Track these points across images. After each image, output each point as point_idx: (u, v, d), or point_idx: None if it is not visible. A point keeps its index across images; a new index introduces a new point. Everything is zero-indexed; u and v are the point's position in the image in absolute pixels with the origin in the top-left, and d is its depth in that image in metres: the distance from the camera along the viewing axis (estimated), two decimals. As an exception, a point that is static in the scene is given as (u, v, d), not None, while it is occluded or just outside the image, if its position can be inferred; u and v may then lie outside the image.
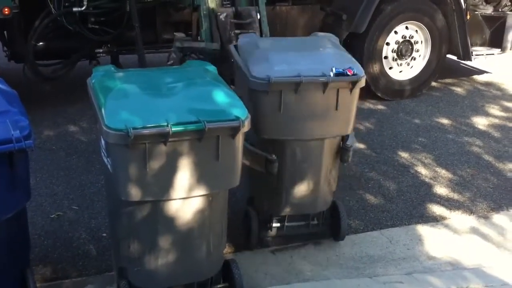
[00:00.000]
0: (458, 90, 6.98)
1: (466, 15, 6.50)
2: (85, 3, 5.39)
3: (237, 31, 4.59)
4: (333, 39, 3.72)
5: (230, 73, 3.69)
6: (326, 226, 3.70)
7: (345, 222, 3.66)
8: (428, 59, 6.55)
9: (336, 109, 3.26)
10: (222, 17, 4.69)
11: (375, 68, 6.31)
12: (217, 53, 4.59)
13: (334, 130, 3.37)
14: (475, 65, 7.74)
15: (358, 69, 3.26)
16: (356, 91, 3.29)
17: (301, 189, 3.44)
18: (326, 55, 3.42)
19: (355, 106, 3.38)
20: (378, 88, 6.41)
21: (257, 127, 3.12)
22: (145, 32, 5.63)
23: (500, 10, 6.92)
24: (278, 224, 3.58)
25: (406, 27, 6.38)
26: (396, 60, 6.46)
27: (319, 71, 3.19)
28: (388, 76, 6.45)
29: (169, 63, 4.63)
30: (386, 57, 6.40)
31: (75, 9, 5.41)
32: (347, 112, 3.33)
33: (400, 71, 6.53)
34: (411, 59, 6.51)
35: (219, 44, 4.64)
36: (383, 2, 6.12)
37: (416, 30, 6.42)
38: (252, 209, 3.58)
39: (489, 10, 6.91)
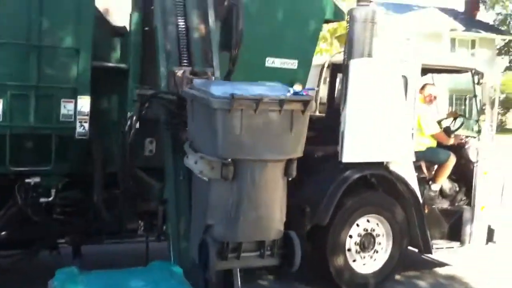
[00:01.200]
0: (421, 284, 7.00)
1: (424, 209, 6.78)
2: (52, 193, 5.46)
3: None
4: None
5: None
6: (280, 256, 3.78)
7: (299, 251, 3.74)
8: (390, 252, 6.65)
9: (291, 130, 3.62)
10: (179, 73, 5.04)
11: (339, 260, 6.35)
12: (175, 103, 4.86)
13: (289, 151, 3.69)
14: (437, 258, 7.85)
15: None
16: (307, 114, 3.72)
17: (258, 212, 3.63)
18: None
19: (306, 129, 3.83)
20: (342, 280, 6.38)
21: (216, 147, 3.45)
22: (109, 222, 5.65)
23: (456, 204, 7.26)
24: (234, 254, 3.70)
25: (368, 220, 6.57)
26: (359, 252, 6.54)
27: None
28: (352, 269, 6.47)
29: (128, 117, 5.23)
30: (349, 250, 6.48)
31: (42, 199, 5.45)
32: (300, 134, 3.73)
33: (364, 264, 6.58)
34: (374, 252, 6.61)
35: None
36: (345, 196, 6.36)
37: (377, 224, 6.61)
38: (209, 238, 3.63)
39: (445, 204, 7.23)
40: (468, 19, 36.13)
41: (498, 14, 35.81)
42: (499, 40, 38.55)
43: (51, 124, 5.40)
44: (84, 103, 5.46)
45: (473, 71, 7.19)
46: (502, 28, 40.70)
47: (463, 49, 34.56)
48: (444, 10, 34.94)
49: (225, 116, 3.40)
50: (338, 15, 6.65)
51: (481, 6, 36.17)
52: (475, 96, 7.30)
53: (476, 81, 7.18)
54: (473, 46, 35.32)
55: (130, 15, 5.64)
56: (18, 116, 5.30)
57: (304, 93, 3.68)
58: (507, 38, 39.55)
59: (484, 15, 37.57)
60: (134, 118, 5.23)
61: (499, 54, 39.94)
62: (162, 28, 5.32)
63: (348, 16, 6.33)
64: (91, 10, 5.43)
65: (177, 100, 4.85)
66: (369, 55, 6.22)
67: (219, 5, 5.68)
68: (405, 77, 6.47)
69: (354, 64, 6.14)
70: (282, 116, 3.54)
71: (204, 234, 3.71)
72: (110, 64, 5.80)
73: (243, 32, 5.64)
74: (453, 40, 34.19)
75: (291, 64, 6.36)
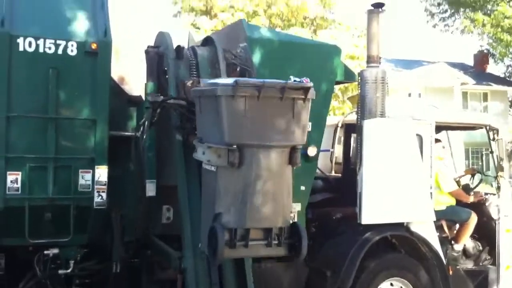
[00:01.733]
0: None
1: (448, 270, 6.61)
2: (71, 265, 5.43)
3: None
4: None
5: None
6: (287, 246, 3.86)
7: (306, 241, 3.82)
8: (416, 314, 6.45)
9: (293, 117, 3.77)
10: (189, 83, 5.15)
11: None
12: (186, 108, 5.04)
13: (292, 138, 3.81)
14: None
15: None
16: (308, 102, 3.89)
17: (264, 199, 3.76)
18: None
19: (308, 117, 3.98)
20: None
21: (222, 134, 3.62)
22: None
23: (480, 264, 7.08)
24: (242, 242, 3.80)
25: (391, 284, 6.40)
26: (383, 315, 6.35)
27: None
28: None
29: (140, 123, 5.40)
30: (374, 314, 6.29)
31: (61, 271, 5.41)
32: (302, 122, 3.88)
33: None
34: (398, 316, 6.41)
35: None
36: (366, 258, 6.23)
37: (401, 287, 6.43)
38: (218, 224, 3.76)
39: (469, 264, 7.06)
40: (478, 72, 36.34)
41: (508, 66, 36.11)
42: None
43: (69, 195, 5.43)
44: (102, 172, 5.50)
45: (487, 127, 7.17)
46: (513, 80, 40.88)
47: (475, 103, 34.60)
48: (453, 65, 35.24)
49: (229, 103, 3.61)
50: (349, 76, 6.73)
51: (490, 59, 36.45)
52: (491, 151, 7.25)
53: (491, 137, 7.15)
54: (485, 99, 35.37)
55: (145, 84, 5.76)
56: (36, 188, 5.35)
57: (304, 81, 3.88)
58: (519, 89, 39.61)
59: (494, 67, 37.81)
60: (146, 123, 5.30)
61: (512, 105, 39.93)
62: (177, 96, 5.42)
63: (359, 78, 6.40)
64: (107, 81, 5.56)
65: (187, 105, 4.99)
66: (382, 115, 6.24)
67: (232, 71, 5.79)
68: (419, 136, 6.46)
69: (367, 124, 6.16)
70: (283, 103, 3.73)
71: (213, 222, 3.81)
72: (127, 133, 5.88)
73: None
74: (464, 94, 34.28)
75: (305, 126, 6.38)
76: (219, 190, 3.81)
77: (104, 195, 5.50)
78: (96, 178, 5.49)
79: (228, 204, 3.83)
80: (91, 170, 5.48)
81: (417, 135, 6.43)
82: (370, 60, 6.30)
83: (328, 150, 7.12)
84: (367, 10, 6.29)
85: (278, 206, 3.83)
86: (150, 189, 5.81)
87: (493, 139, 7.13)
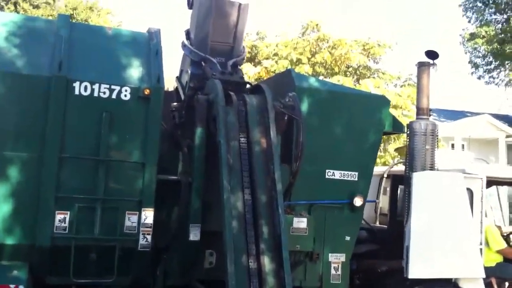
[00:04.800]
0: None
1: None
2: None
3: None
4: None
5: None
6: None
7: None
8: None
9: None
10: None
11: None
12: None
13: None
14: None
15: None
16: None
17: None
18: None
19: None
20: None
21: None
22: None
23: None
24: None
25: None
26: None
27: None
28: None
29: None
30: None
31: None
32: None
33: None
34: None
35: None
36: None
37: None
38: None
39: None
40: (523, 124, 35.62)
41: (553, 119, 35.35)
42: (558, 144, 37.50)
43: (115, 236, 5.47)
44: (148, 215, 5.54)
45: (540, 183, 6.96)
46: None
47: (520, 155, 33.79)
48: (498, 116, 34.63)
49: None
50: (397, 127, 6.69)
51: (536, 112, 35.77)
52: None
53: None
54: (530, 152, 34.51)
55: (194, 129, 5.82)
56: (83, 228, 5.41)
57: None
58: None
59: (539, 120, 37.05)
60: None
61: (559, 157, 38.72)
62: (226, 143, 5.47)
63: (408, 129, 6.34)
64: (158, 125, 5.65)
65: None
66: (432, 168, 6.14)
67: (280, 120, 5.83)
68: (470, 190, 6.32)
69: (417, 177, 6.06)
70: None
71: None
72: (174, 177, 5.92)
73: (304, 145, 5.73)
74: (509, 146, 33.56)
75: (351, 176, 6.34)
76: None
77: (149, 237, 5.52)
78: (142, 220, 5.52)
79: None
80: (137, 212, 5.53)
81: (467, 189, 6.28)
82: (420, 112, 6.26)
83: (374, 201, 7.02)
84: (418, 63, 6.29)
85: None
86: (194, 233, 5.80)
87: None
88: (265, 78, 14.69)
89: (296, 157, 5.80)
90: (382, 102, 6.46)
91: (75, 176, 5.41)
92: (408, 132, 6.33)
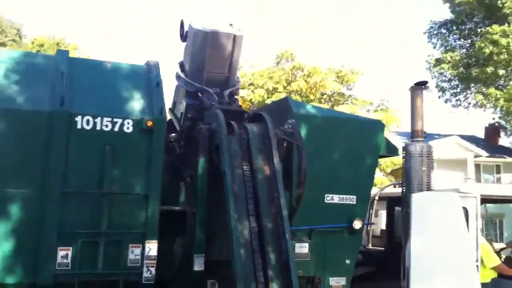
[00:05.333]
0: None
1: None
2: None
3: None
4: None
5: None
6: None
7: None
8: None
9: None
10: None
11: None
12: None
13: None
14: None
15: None
16: None
17: None
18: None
19: None
20: None
21: None
22: None
23: None
24: None
25: None
26: None
27: None
28: None
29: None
30: None
31: None
32: None
33: None
34: None
35: None
36: None
37: None
38: None
39: None
40: (490, 144, 36.53)
41: (520, 139, 36.35)
42: (525, 163, 38.49)
43: (118, 270, 5.41)
44: (152, 247, 5.50)
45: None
46: (526, 152, 40.83)
47: (487, 175, 34.58)
48: (465, 137, 35.49)
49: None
50: (391, 150, 6.84)
51: (501, 132, 36.76)
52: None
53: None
54: (498, 171, 35.36)
55: (197, 160, 5.84)
56: (86, 263, 5.34)
57: None
58: (532, 161, 39.49)
59: (505, 140, 38.07)
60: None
61: (525, 177, 39.68)
62: (230, 172, 5.50)
63: (404, 151, 6.49)
64: (161, 156, 5.65)
65: None
66: (428, 188, 6.27)
67: (280, 147, 5.91)
68: (465, 209, 6.46)
69: (416, 197, 6.18)
70: None
71: None
72: (177, 208, 5.91)
73: (307, 171, 5.81)
74: (477, 166, 34.33)
75: (350, 199, 6.43)
76: None
77: (153, 270, 5.47)
78: (146, 253, 5.48)
79: None
80: (141, 245, 5.48)
81: (463, 208, 6.42)
82: (414, 134, 6.42)
83: (372, 223, 7.12)
84: (411, 87, 6.48)
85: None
86: (199, 263, 5.77)
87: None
88: (243, 108, 14.79)
89: (299, 183, 5.87)
90: (378, 126, 6.62)
91: (78, 211, 5.36)
92: (404, 154, 6.47)
